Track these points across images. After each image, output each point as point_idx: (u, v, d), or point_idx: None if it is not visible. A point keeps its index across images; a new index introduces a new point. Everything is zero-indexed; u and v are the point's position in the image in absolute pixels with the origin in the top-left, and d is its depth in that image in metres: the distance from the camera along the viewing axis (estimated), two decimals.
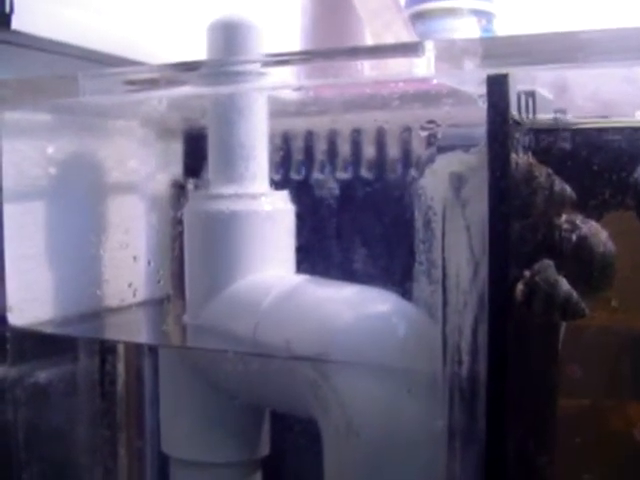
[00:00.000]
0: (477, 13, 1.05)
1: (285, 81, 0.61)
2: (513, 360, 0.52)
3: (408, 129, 0.69)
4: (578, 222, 0.57)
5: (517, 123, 0.53)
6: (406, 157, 0.71)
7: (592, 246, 0.56)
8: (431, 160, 0.56)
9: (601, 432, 0.61)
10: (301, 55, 0.60)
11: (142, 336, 0.82)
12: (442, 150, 0.57)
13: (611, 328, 0.59)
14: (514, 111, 0.52)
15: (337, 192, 0.74)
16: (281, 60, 0.58)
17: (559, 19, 1.13)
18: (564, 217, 0.56)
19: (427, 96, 0.60)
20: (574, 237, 0.56)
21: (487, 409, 0.52)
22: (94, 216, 0.75)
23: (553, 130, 0.57)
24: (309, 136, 0.77)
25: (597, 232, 0.57)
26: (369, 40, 1.00)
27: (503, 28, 1.09)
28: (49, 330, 0.72)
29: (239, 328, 0.64)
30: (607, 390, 0.62)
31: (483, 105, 0.51)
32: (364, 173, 0.74)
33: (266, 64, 0.60)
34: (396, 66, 0.55)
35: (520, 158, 0.52)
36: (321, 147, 0.77)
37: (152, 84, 0.64)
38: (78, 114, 0.74)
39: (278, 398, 0.66)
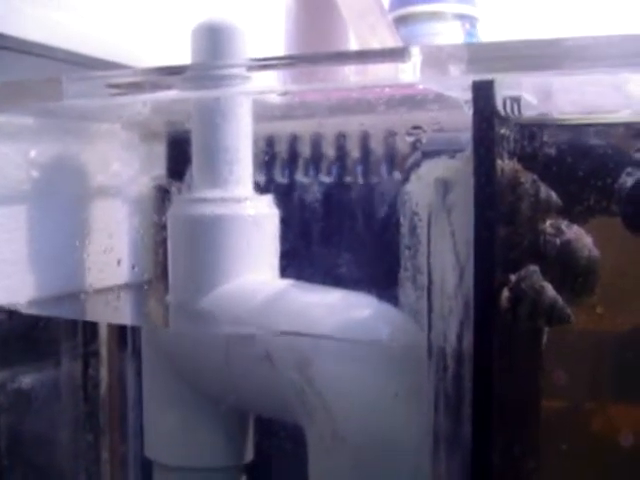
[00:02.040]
0: (461, 17, 1.05)
1: (270, 86, 0.60)
2: (498, 366, 0.52)
3: (393, 134, 0.69)
4: (563, 227, 0.57)
5: (503, 118, 0.53)
6: (391, 162, 0.71)
7: (576, 250, 0.57)
8: (416, 165, 0.56)
9: (588, 437, 0.61)
10: (286, 60, 0.60)
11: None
12: (428, 155, 0.57)
13: (595, 331, 0.59)
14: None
15: (321, 196, 0.74)
16: (266, 65, 0.58)
17: (542, 23, 1.14)
18: (549, 222, 0.56)
19: (413, 101, 0.60)
20: (558, 241, 0.56)
21: (473, 414, 0.52)
22: (78, 220, 0.75)
23: (539, 125, 0.57)
24: (294, 139, 0.77)
25: (581, 237, 0.57)
26: (353, 43, 1.00)
27: (487, 32, 1.09)
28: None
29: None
30: (592, 394, 0.62)
31: (469, 111, 0.51)
32: (349, 178, 0.74)
33: (251, 68, 0.59)
34: (382, 71, 0.55)
35: (506, 164, 0.52)
36: (306, 151, 0.76)
37: (136, 88, 0.63)
38: (61, 117, 0.73)
39: (263, 403, 0.65)
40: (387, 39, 1.01)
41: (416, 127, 0.59)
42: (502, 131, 0.53)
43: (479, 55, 0.53)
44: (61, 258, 0.73)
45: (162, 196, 0.76)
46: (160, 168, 0.82)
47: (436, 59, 0.53)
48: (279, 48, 1.01)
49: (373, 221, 0.71)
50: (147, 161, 0.82)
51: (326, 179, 0.75)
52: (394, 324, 0.57)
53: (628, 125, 0.57)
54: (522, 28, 1.15)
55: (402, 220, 0.55)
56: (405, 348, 0.56)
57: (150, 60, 0.78)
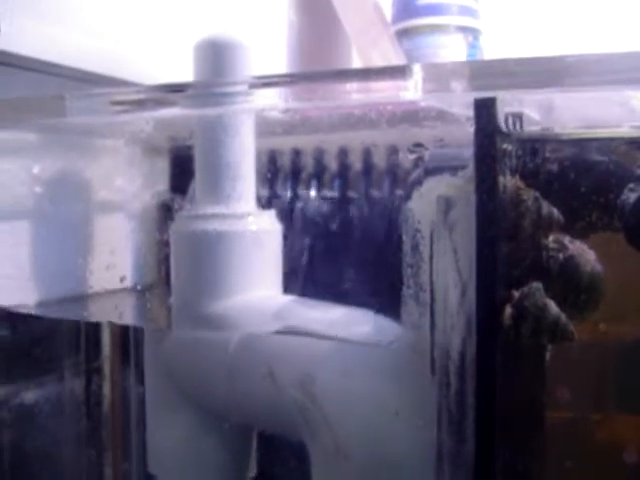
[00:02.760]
0: (463, 30, 1.05)
1: (272, 103, 0.60)
2: (501, 382, 0.52)
3: (395, 151, 0.69)
4: (566, 242, 0.57)
5: (505, 134, 0.53)
6: (394, 179, 0.71)
7: (579, 265, 0.57)
8: (418, 183, 0.56)
9: (591, 453, 0.61)
10: (288, 77, 0.60)
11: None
12: (431, 171, 0.57)
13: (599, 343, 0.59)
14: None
15: (324, 212, 0.74)
16: (268, 82, 0.58)
17: (545, 37, 1.14)
18: (552, 237, 0.56)
19: (415, 117, 0.60)
20: (561, 257, 0.56)
21: (476, 432, 0.52)
22: (80, 236, 0.75)
23: (541, 141, 0.57)
24: (296, 155, 0.77)
25: (584, 252, 0.57)
26: (356, 57, 1.00)
27: (490, 45, 1.09)
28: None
29: (217, 349, 0.64)
30: (596, 409, 0.62)
31: (471, 128, 0.51)
32: (351, 194, 0.74)
33: (253, 86, 0.59)
34: (384, 88, 0.55)
35: (508, 181, 0.52)
36: (308, 166, 0.77)
37: (139, 105, 0.64)
38: (64, 133, 0.73)
39: (266, 420, 0.65)
40: (389, 52, 1.01)
41: (418, 144, 0.59)
42: (504, 147, 0.53)
43: (481, 72, 0.53)
44: (64, 274, 0.74)
45: (165, 212, 0.76)
46: (163, 184, 0.82)
47: (438, 76, 0.54)
48: (282, 62, 1.02)
49: (376, 237, 0.70)
50: (150, 177, 0.82)
51: (328, 194, 0.75)
52: (396, 340, 0.57)
53: (631, 139, 0.57)
54: (526, 41, 1.15)
55: (404, 237, 0.55)
56: (407, 364, 0.56)
57: (154, 76, 0.78)
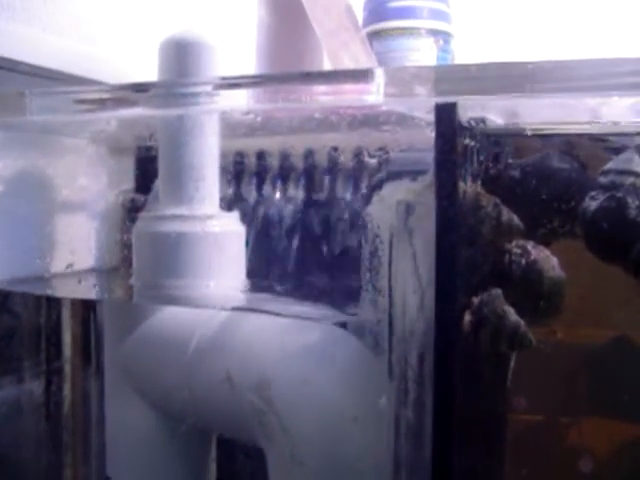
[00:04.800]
0: (434, 33, 1.05)
1: (236, 104, 0.60)
2: (461, 389, 0.52)
3: (357, 154, 0.69)
4: (529, 247, 0.57)
5: (466, 128, 0.52)
6: (355, 183, 0.70)
7: (542, 270, 0.57)
8: (378, 187, 0.55)
9: (553, 458, 0.61)
10: (253, 79, 0.60)
11: None
12: (394, 175, 0.57)
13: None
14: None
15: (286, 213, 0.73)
16: (232, 83, 0.58)
17: (517, 40, 1.14)
18: (514, 242, 0.56)
19: (376, 121, 0.60)
20: (524, 261, 0.56)
21: (433, 438, 0.52)
22: (40, 235, 0.74)
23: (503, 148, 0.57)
24: (260, 155, 0.77)
25: (547, 257, 0.57)
26: (326, 59, 1.00)
27: (461, 48, 1.09)
28: None
29: (176, 352, 0.64)
30: (558, 414, 0.62)
31: (431, 133, 0.51)
32: (314, 196, 0.73)
33: (218, 87, 0.59)
34: (347, 91, 0.55)
35: (468, 187, 0.52)
36: (272, 167, 0.76)
37: (102, 104, 0.63)
38: (26, 131, 0.72)
39: (224, 424, 0.65)
40: (360, 55, 1.01)
41: (380, 148, 0.59)
42: (466, 152, 0.52)
43: (443, 77, 0.53)
44: (22, 273, 0.73)
45: (129, 212, 0.75)
46: (128, 182, 0.81)
47: (400, 80, 0.53)
48: (251, 60, 1.01)
49: (338, 237, 0.70)
50: (115, 175, 0.81)
51: (294, 194, 0.75)
52: (349, 346, 0.57)
53: (595, 139, 0.57)
54: (500, 44, 1.15)
55: (363, 242, 0.55)
56: (360, 371, 0.55)
57: (119, 74, 0.78)
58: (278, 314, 0.60)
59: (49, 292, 0.76)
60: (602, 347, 0.62)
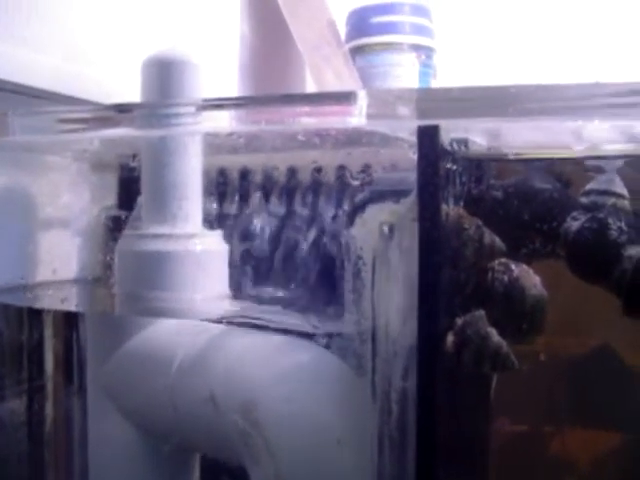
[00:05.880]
0: (417, 48, 1.05)
1: (220, 125, 0.60)
2: (444, 410, 0.52)
3: (340, 176, 0.69)
4: (511, 265, 0.57)
5: (449, 152, 0.53)
6: (339, 199, 0.71)
7: (524, 287, 0.57)
8: (361, 209, 0.56)
9: (532, 477, 0.61)
10: (236, 100, 0.60)
11: None
12: (378, 194, 0.57)
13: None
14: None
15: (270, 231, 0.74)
16: (215, 105, 0.58)
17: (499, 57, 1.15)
18: (497, 261, 0.57)
19: (359, 142, 0.60)
20: (507, 279, 0.57)
21: (417, 459, 0.52)
22: (22, 255, 0.74)
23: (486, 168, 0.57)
24: (243, 173, 0.77)
25: (529, 275, 0.57)
26: (308, 74, 1.00)
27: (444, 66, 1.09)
28: None
29: (160, 371, 0.64)
30: (540, 429, 0.62)
31: (413, 155, 0.51)
32: (296, 218, 0.73)
33: (201, 108, 0.59)
34: (330, 113, 0.55)
35: (451, 209, 0.52)
36: (255, 185, 0.76)
37: (85, 124, 0.63)
38: (9, 150, 0.72)
39: (208, 444, 0.65)
40: (342, 69, 1.01)
41: (362, 170, 0.59)
42: (448, 174, 0.53)
43: (426, 99, 0.53)
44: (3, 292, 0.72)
45: (111, 231, 0.75)
46: (111, 199, 0.81)
47: (383, 102, 0.53)
48: (233, 76, 1.01)
49: (321, 256, 0.70)
50: (98, 192, 0.81)
51: (276, 212, 0.75)
52: (332, 368, 0.57)
53: (577, 161, 0.58)
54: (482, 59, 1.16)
55: (346, 264, 0.55)
56: (344, 392, 0.55)
57: (103, 93, 0.78)
58: (266, 326, 0.60)
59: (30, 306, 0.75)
60: (584, 362, 0.62)
